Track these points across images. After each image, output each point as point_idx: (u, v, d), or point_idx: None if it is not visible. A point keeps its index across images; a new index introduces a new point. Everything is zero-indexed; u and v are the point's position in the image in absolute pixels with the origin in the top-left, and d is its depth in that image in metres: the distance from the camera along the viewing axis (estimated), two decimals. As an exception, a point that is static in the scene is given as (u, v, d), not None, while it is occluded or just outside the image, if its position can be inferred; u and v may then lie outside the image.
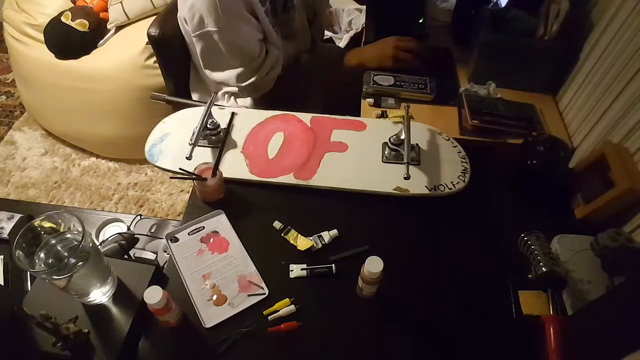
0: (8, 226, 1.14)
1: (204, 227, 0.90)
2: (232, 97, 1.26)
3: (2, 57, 2.52)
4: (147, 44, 1.63)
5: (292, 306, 0.79)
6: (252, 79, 1.11)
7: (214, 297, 0.80)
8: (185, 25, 1.12)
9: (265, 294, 0.81)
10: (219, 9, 0.99)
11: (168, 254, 0.88)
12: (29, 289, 0.83)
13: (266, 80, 1.15)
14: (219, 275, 0.83)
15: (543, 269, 0.76)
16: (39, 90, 1.88)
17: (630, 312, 0.67)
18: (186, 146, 0.95)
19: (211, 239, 0.88)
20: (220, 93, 1.26)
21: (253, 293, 0.81)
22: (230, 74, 1.11)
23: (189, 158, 0.91)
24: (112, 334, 0.74)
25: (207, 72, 1.15)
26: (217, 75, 1.14)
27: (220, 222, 0.91)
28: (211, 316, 0.78)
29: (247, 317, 0.78)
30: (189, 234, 0.89)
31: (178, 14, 1.13)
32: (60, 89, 1.79)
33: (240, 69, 1.10)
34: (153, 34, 1.16)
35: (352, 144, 1.02)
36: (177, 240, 0.88)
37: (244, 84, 1.12)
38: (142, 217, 1.34)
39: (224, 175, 0.93)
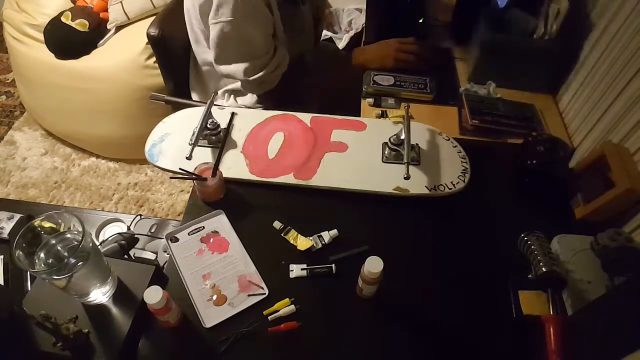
0: (8, 226, 1.14)
1: (204, 227, 0.90)
2: (232, 96, 1.26)
3: (2, 57, 2.52)
4: (147, 43, 1.63)
5: (292, 306, 0.79)
6: (260, 74, 1.11)
7: (214, 297, 0.80)
8: (193, 22, 1.11)
9: (265, 294, 0.81)
10: None
11: (168, 254, 0.88)
12: (29, 289, 0.83)
13: (272, 76, 1.14)
14: (219, 275, 0.83)
15: (543, 269, 0.76)
16: (39, 90, 1.88)
17: (630, 312, 0.67)
18: (186, 146, 0.95)
19: (211, 239, 0.88)
20: (220, 91, 1.26)
21: (253, 293, 0.81)
22: (237, 67, 1.10)
23: (189, 158, 0.91)
24: (112, 334, 0.74)
25: (215, 64, 1.14)
26: (225, 68, 1.12)
27: (220, 222, 0.91)
28: (211, 316, 0.78)
29: (247, 317, 0.78)
30: (189, 234, 0.89)
31: (185, 9, 1.12)
32: (60, 89, 1.79)
33: (248, 63, 1.09)
34: (152, 33, 1.16)
35: (352, 144, 1.02)
36: (177, 240, 0.88)
37: (250, 78, 1.11)
38: (142, 217, 1.34)
39: (224, 175, 0.93)
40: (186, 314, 0.79)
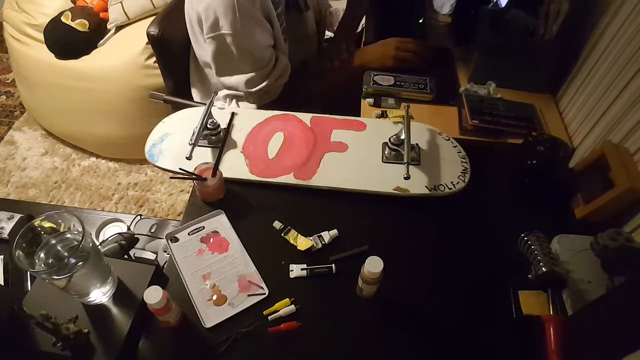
0: (8, 226, 1.14)
1: (204, 227, 0.90)
2: (234, 100, 1.26)
3: (2, 57, 2.52)
4: (147, 43, 1.63)
5: (292, 306, 0.79)
6: (262, 85, 1.11)
7: (214, 297, 0.80)
8: (193, 25, 1.10)
9: (265, 294, 0.81)
10: (236, 11, 0.98)
11: (168, 254, 0.88)
12: (29, 289, 0.83)
13: (275, 87, 1.14)
14: (219, 275, 0.83)
15: (543, 269, 0.76)
16: (39, 90, 1.88)
17: (630, 312, 0.67)
18: (186, 146, 0.95)
19: (211, 239, 0.88)
20: (222, 95, 1.25)
21: (253, 293, 0.81)
22: (239, 79, 1.10)
23: (189, 158, 0.91)
24: (112, 334, 0.74)
25: (216, 76, 1.14)
26: (227, 80, 1.12)
27: (220, 222, 0.91)
28: (211, 316, 0.78)
29: (247, 317, 0.78)
30: (189, 234, 0.89)
31: (186, 11, 1.12)
32: (60, 89, 1.79)
33: (250, 75, 1.09)
34: (152, 32, 1.16)
35: (352, 144, 1.02)
36: (177, 240, 0.88)
37: (253, 90, 1.11)
38: (142, 217, 1.34)
39: (224, 175, 0.93)
40: (186, 314, 0.79)
